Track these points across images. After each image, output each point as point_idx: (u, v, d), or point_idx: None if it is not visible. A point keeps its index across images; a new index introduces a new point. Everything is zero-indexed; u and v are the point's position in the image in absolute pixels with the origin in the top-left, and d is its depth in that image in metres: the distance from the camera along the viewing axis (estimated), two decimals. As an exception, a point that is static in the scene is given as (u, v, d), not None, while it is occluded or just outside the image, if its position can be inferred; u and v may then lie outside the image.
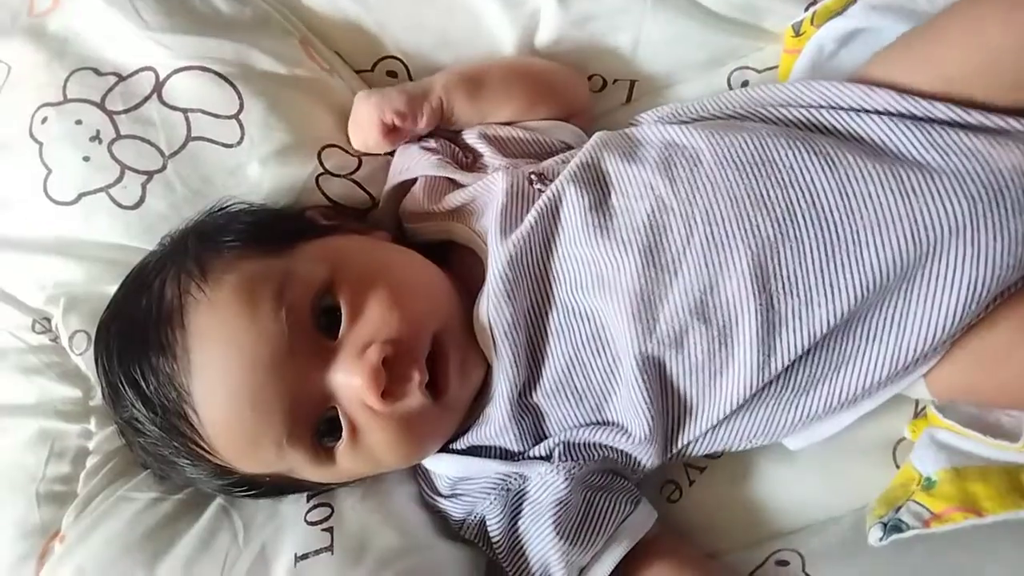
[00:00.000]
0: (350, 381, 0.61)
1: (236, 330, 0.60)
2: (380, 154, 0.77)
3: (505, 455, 0.69)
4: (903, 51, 0.67)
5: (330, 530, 0.67)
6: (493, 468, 0.68)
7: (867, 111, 0.65)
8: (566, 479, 0.66)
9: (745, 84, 0.82)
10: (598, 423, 0.67)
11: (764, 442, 0.69)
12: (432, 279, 0.68)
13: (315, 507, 0.69)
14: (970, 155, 0.61)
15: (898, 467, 0.72)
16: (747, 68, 0.82)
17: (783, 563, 0.71)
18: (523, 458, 0.68)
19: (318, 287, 0.62)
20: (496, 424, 0.66)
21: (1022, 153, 0.60)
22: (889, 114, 0.64)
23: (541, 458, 0.68)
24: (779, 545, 0.72)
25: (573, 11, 0.78)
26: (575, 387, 0.66)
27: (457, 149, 0.76)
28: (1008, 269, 0.60)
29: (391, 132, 0.74)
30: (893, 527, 0.64)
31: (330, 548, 0.65)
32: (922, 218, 0.60)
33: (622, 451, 0.67)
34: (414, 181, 0.74)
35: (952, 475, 0.64)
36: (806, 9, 0.76)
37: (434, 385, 0.63)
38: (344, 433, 0.63)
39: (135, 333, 0.64)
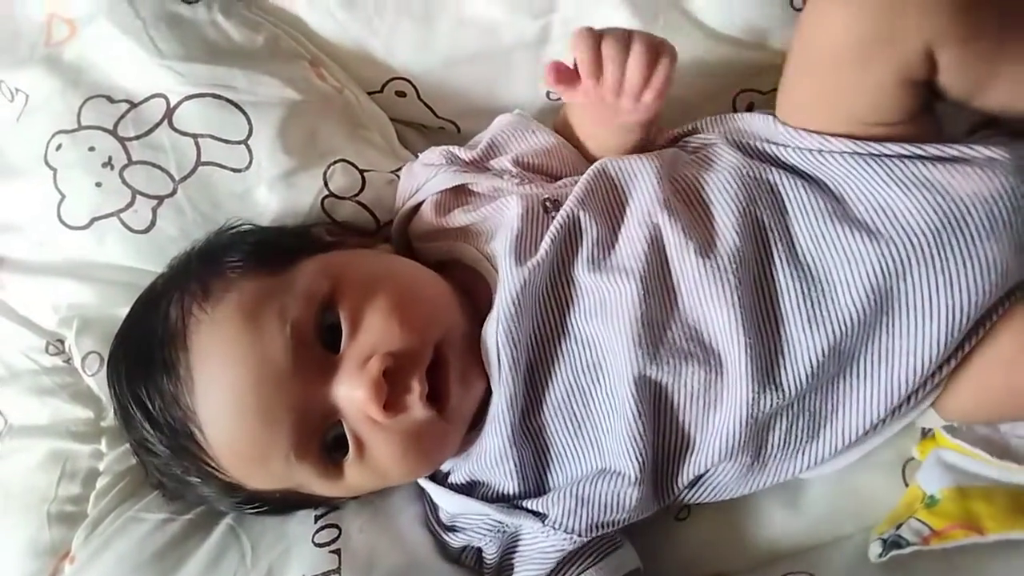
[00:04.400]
0: (352, 394, 0.61)
1: (240, 348, 0.61)
2: (386, 171, 0.78)
3: (502, 497, 0.69)
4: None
5: (338, 552, 0.67)
6: (489, 513, 0.68)
7: (829, 151, 0.65)
8: (557, 546, 0.66)
9: (751, 107, 0.82)
10: (592, 474, 0.66)
11: (773, 485, 0.69)
12: (434, 289, 0.68)
13: (323, 528, 0.69)
14: (929, 186, 0.61)
15: (907, 486, 0.71)
16: (752, 91, 0.82)
17: (793, 582, 0.70)
18: (519, 506, 0.68)
19: (320, 302, 0.63)
20: (496, 449, 0.66)
21: (981, 179, 0.60)
22: (849, 153, 0.64)
23: (536, 513, 0.67)
24: (789, 564, 0.71)
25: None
26: (574, 414, 0.66)
27: (459, 154, 0.76)
28: (983, 294, 0.60)
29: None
30: (892, 543, 0.64)
31: (338, 571, 0.65)
32: (888, 251, 0.60)
33: (615, 503, 0.65)
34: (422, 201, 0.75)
35: (956, 494, 0.63)
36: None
37: (435, 396, 0.63)
38: (350, 447, 0.63)
39: (141, 355, 0.65)
